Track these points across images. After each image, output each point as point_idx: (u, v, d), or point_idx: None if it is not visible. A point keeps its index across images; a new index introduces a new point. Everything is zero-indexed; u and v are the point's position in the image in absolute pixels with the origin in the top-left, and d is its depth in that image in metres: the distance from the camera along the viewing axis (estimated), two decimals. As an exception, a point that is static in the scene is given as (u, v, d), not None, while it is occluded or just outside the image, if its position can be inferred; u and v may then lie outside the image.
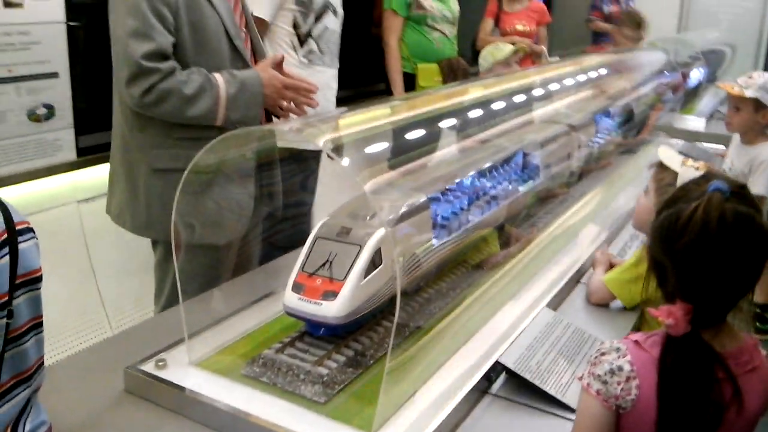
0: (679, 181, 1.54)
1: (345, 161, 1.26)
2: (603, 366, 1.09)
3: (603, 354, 1.11)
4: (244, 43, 2.02)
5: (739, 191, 1.07)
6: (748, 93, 2.68)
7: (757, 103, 2.69)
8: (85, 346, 2.59)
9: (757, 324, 3.71)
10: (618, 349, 1.10)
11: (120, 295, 2.96)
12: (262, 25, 2.60)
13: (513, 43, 4.69)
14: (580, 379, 1.13)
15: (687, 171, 1.67)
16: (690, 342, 1.05)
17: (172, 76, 1.81)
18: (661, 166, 1.70)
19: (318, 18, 2.70)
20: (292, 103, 2.03)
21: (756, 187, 2.59)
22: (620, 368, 1.08)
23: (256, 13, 2.50)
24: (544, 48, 4.88)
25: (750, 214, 1.06)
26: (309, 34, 2.68)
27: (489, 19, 4.85)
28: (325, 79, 2.72)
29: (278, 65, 2.02)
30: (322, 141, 1.26)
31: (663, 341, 1.08)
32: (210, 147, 1.32)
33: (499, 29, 4.82)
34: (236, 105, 1.89)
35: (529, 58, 4.82)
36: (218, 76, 1.88)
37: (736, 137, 2.90)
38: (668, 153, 1.91)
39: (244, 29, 2.07)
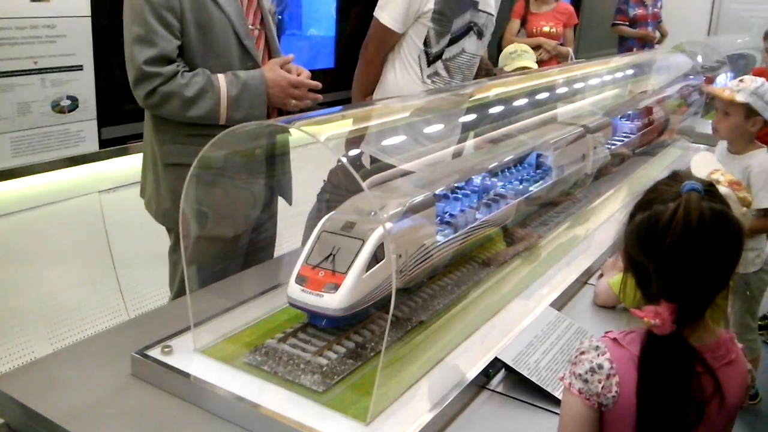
0: None
1: (346, 157, 1.28)
2: (583, 365, 1.11)
3: (582, 353, 1.12)
4: (255, 42, 2.06)
5: (710, 189, 1.09)
6: (739, 97, 2.49)
7: (747, 109, 2.50)
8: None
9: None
10: (597, 348, 1.12)
11: (139, 283, 3.02)
12: (391, 36, 2.53)
13: (539, 45, 4.70)
14: (562, 379, 1.15)
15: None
16: (672, 340, 1.06)
17: (174, 80, 1.88)
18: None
19: (455, 40, 2.56)
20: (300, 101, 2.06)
21: (763, 201, 2.46)
22: (600, 366, 1.09)
23: (383, 21, 2.49)
24: (570, 50, 4.87)
25: (724, 210, 1.08)
26: (439, 56, 2.56)
27: (516, 20, 4.85)
28: None
29: (285, 64, 2.05)
30: (323, 137, 1.28)
31: (643, 339, 1.09)
32: (214, 142, 1.35)
33: (526, 30, 4.82)
34: (239, 105, 1.95)
35: (555, 59, 4.81)
36: (221, 78, 1.93)
37: (722, 146, 2.71)
38: (700, 163, 1.91)
39: (258, 27, 2.10)
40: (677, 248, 1.04)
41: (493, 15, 2.68)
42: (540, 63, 4.67)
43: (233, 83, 1.94)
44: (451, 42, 2.55)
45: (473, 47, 2.62)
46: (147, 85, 1.88)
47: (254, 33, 2.07)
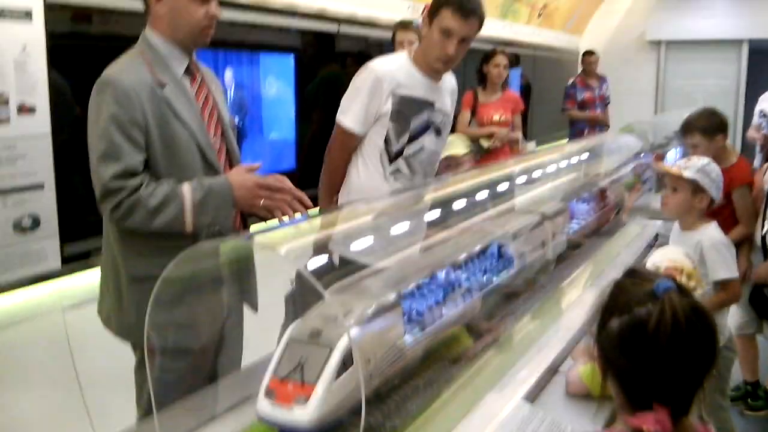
0: None
1: (308, 265, 1.29)
2: None
3: None
4: (217, 153, 2.10)
5: (679, 285, 1.11)
6: (686, 173, 2.58)
7: (694, 186, 2.59)
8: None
9: (749, 401, 3.68)
10: None
11: (106, 401, 2.93)
12: (353, 137, 2.61)
13: (491, 134, 4.86)
14: None
15: None
16: None
17: (137, 192, 1.91)
18: None
19: (414, 137, 2.65)
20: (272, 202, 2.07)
21: (717, 273, 2.53)
22: None
23: (345, 125, 2.58)
24: (519, 134, 5.04)
25: (697, 304, 1.09)
26: (400, 153, 2.63)
27: (466, 111, 5.01)
28: None
29: (250, 171, 2.09)
30: (283, 249, 1.30)
31: None
32: (181, 258, 1.36)
33: (476, 120, 4.97)
34: (204, 209, 1.96)
35: (507, 145, 4.97)
36: (185, 185, 1.96)
37: (676, 226, 2.78)
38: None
39: (220, 138, 2.16)
40: (670, 351, 1.05)
41: (449, 115, 2.78)
42: (493, 150, 4.83)
43: (197, 189, 1.96)
44: (411, 139, 2.63)
45: (432, 144, 2.71)
46: (112, 200, 1.90)
47: (216, 146, 2.12)
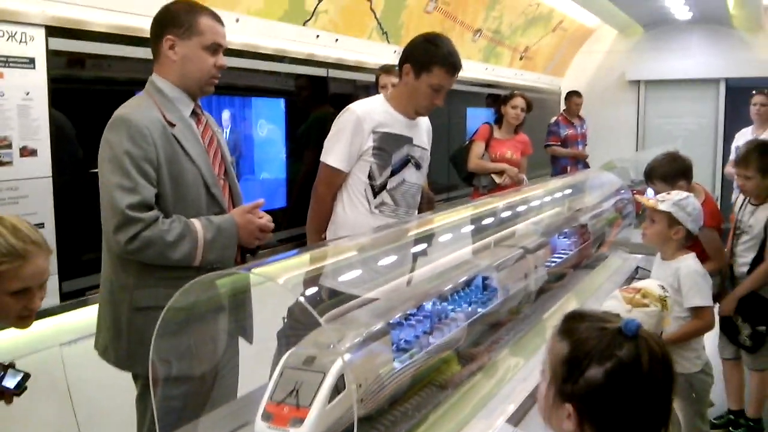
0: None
1: (304, 296, 1.40)
2: None
3: None
4: (222, 190, 2.23)
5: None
6: (662, 206, 2.69)
7: (670, 218, 2.69)
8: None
9: (730, 428, 3.75)
10: None
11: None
12: (338, 175, 2.77)
13: (503, 171, 5.04)
14: None
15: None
16: None
17: (155, 225, 2.00)
18: None
19: (395, 171, 2.81)
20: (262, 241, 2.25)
21: (692, 300, 2.64)
22: None
23: (329, 163, 2.74)
24: (524, 176, 5.21)
25: (654, 336, 1.19)
26: (383, 187, 2.79)
27: (480, 143, 5.15)
28: None
29: (254, 209, 2.22)
30: (281, 280, 1.40)
31: None
32: (185, 289, 1.46)
33: (489, 153, 5.13)
34: (213, 247, 2.08)
35: (513, 184, 5.13)
36: (196, 222, 2.07)
37: (658, 256, 2.89)
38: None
39: (223, 177, 2.28)
40: (663, 383, 1.14)
41: (426, 149, 2.96)
42: (502, 186, 4.98)
43: (208, 228, 2.09)
44: (393, 173, 2.80)
45: (413, 177, 2.88)
46: (129, 231, 1.98)
47: (220, 182, 2.24)
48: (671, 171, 3.35)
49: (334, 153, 2.75)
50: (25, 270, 1.63)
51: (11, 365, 1.74)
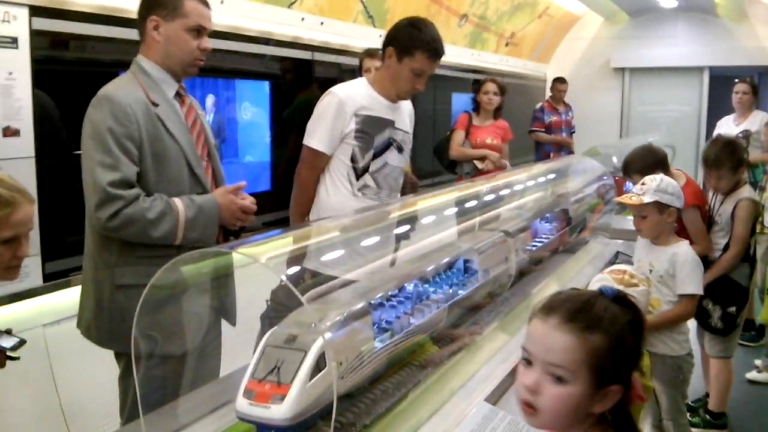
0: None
1: (286, 275, 1.42)
2: None
3: None
4: (204, 170, 2.23)
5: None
6: (646, 199, 2.69)
7: (659, 206, 2.71)
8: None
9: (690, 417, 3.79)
10: None
11: (86, 414, 2.99)
12: (321, 158, 2.79)
13: (484, 157, 5.07)
14: None
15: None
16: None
17: (136, 203, 2.02)
18: None
19: (378, 154, 2.83)
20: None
21: (686, 288, 2.67)
22: None
23: (312, 146, 2.76)
24: (507, 162, 5.23)
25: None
26: (366, 169, 2.81)
27: (461, 131, 5.19)
28: None
29: (236, 191, 2.23)
30: (264, 258, 1.42)
31: None
32: (168, 266, 1.48)
33: (469, 141, 5.16)
34: (194, 226, 2.10)
35: (496, 169, 5.16)
36: (178, 201, 2.08)
37: (640, 241, 2.92)
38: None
39: (206, 158, 2.29)
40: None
41: (409, 133, 2.98)
42: (484, 172, 5.01)
43: (190, 206, 2.10)
44: (375, 156, 2.82)
45: (395, 160, 2.90)
46: (110, 208, 2.00)
47: (203, 163, 2.25)
48: (648, 163, 3.39)
49: (316, 135, 2.76)
50: (15, 217, 1.69)
51: (8, 331, 1.81)
